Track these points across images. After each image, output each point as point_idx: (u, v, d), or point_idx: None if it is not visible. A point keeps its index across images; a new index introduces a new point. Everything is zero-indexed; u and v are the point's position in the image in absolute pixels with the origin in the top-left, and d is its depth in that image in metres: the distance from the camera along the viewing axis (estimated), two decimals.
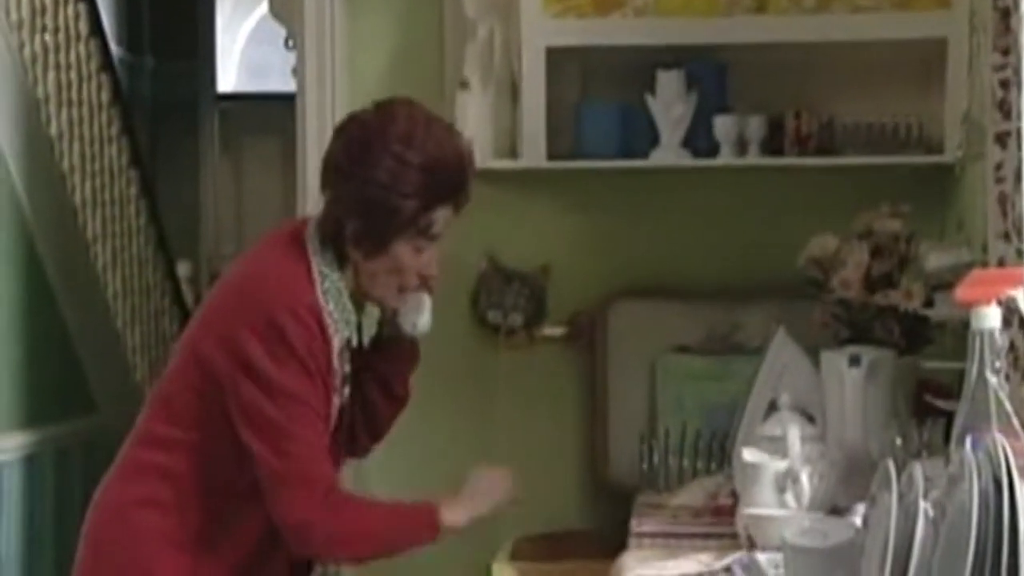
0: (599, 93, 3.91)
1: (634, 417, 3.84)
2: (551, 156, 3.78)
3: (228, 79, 10.82)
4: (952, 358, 2.84)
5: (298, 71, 4.11)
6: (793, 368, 3.22)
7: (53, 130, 5.59)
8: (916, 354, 3.20)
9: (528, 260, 3.95)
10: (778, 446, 2.86)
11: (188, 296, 7.82)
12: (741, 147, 3.78)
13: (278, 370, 2.66)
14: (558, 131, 3.80)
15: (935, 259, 3.14)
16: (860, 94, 3.83)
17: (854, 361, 3.01)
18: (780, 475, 2.80)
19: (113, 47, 7.01)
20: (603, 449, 3.90)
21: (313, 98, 4.01)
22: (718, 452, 3.51)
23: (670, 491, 3.38)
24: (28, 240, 5.18)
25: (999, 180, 2.84)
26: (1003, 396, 1.93)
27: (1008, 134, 2.80)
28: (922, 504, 1.92)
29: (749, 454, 2.87)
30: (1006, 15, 2.82)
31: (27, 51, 5.38)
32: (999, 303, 1.97)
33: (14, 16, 5.28)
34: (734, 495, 3.03)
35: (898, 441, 2.83)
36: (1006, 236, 2.82)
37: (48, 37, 5.62)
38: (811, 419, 3.05)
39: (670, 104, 3.76)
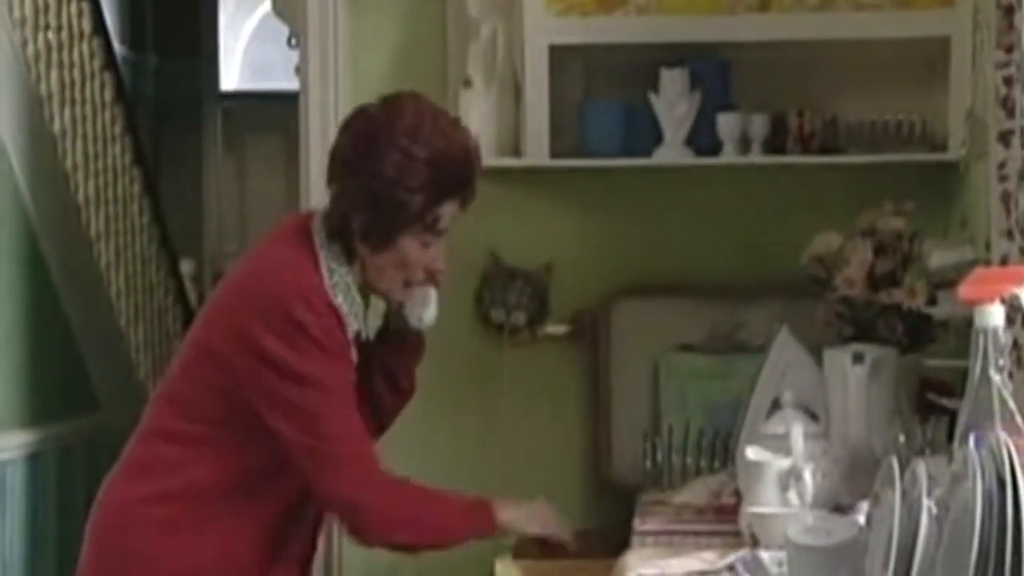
0: (602, 91, 3.90)
1: (637, 415, 3.84)
2: (554, 154, 3.77)
3: (231, 77, 10.82)
4: (955, 356, 2.84)
5: (301, 69, 4.11)
6: (796, 366, 3.21)
7: (56, 128, 5.60)
8: (919, 352, 3.20)
9: (531, 258, 3.95)
10: (781, 444, 2.86)
11: (191, 294, 7.83)
12: (744, 145, 3.78)
13: (299, 358, 2.67)
14: (561, 129, 3.80)
15: (938, 257, 3.14)
16: (863, 92, 3.83)
17: (857, 359, 3.01)
18: (783, 473, 2.80)
19: (116, 45, 7.01)
20: (606, 447, 3.90)
21: (316, 96, 4.01)
22: (721, 450, 3.51)
23: (673, 489, 3.38)
24: (31, 238, 5.18)
25: (1002, 178, 2.84)
26: (1006, 394, 1.92)
27: (1011, 132, 2.80)
28: (926, 502, 1.92)
29: (752, 452, 2.87)
30: (1009, 12, 2.82)
31: (30, 49, 5.39)
32: (1002, 301, 1.97)
33: (17, 14, 5.28)
34: (737, 493, 3.03)
35: (901, 439, 2.83)
36: (1009, 234, 2.82)
37: (51, 35, 5.63)
38: (814, 417, 3.05)
39: (673, 102, 3.76)
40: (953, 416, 2.38)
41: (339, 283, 2.75)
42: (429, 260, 2.79)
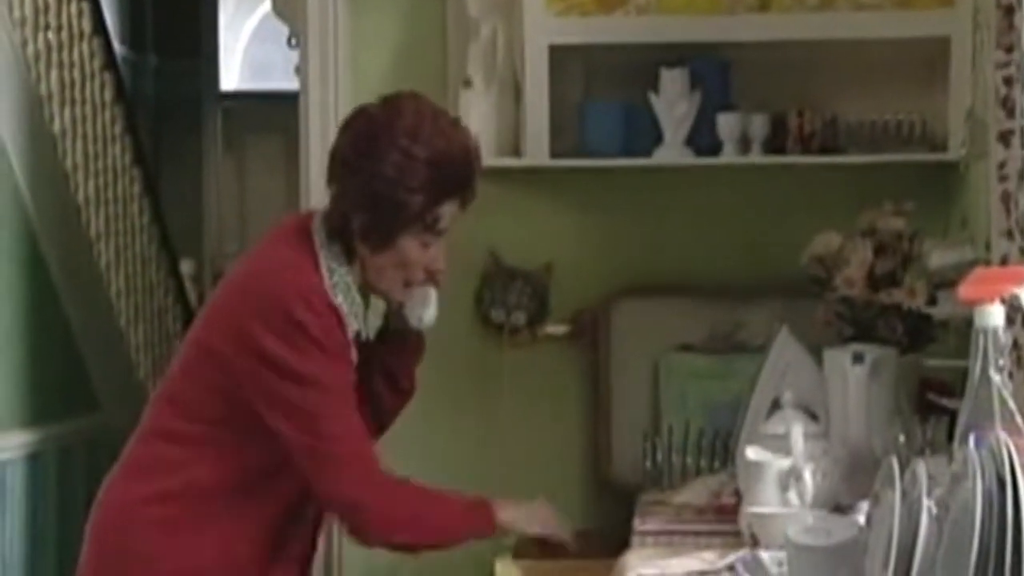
0: (602, 91, 3.90)
1: (637, 415, 3.84)
2: (554, 154, 3.77)
3: (231, 77, 10.82)
4: (955, 356, 2.84)
5: (301, 69, 4.11)
6: (796, 366, 3.21)
7: (56, 128, 5.60)
8: (919, 352, 3.20)
9: (531, 258, 3.95)
10: (781, 444, 2.86)
11: (191, 294, 7.83)
12: (744, 145, 3.78)
13: (299, 358, 2.67)
14: (561, 129, 3.80)
15: (938, 257, 3.14)
16: (863, 92, 3.83)
17: (857, 359, 3.01)
18: (783, 473, 2.80)
19: (116, 45, 7.01)
20: (606, 447, 3.90)
21: (316, 96, 4.01)
22: (721, 450, 3.51)
23: (673, 489, 3.38)
24: (31, 238, 5.18)
25: (1002, 178, 2.84)
26: (1006, 394, 1.92)
27: (1011, 132, 2.80)
28: (925, 502, 1.92)
29: (752, 452, 2.87)
30: (1009, 13, 2.82)
31: (30, 49, 5.39)
32: (1002, 301, 1.97)
33: (17, 14, 5.28)
34: (737, 493, 3.03)
35: (901, 439, 2.83)
36: (1009, 234, 2.82)
37: (51, 35, 5.63)
38: (814, 417, 3.05)
39: (673, 102, 3.76)
40: (953, 416, 2.38)
41: (339, 283, 2.75)
42: (429, 260, 2.79)
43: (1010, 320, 2.07)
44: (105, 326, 5.95)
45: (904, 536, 1.92)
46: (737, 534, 2.87)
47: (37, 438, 5.14)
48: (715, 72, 3.82)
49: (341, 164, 2.79)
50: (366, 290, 2.83)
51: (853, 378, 3.00)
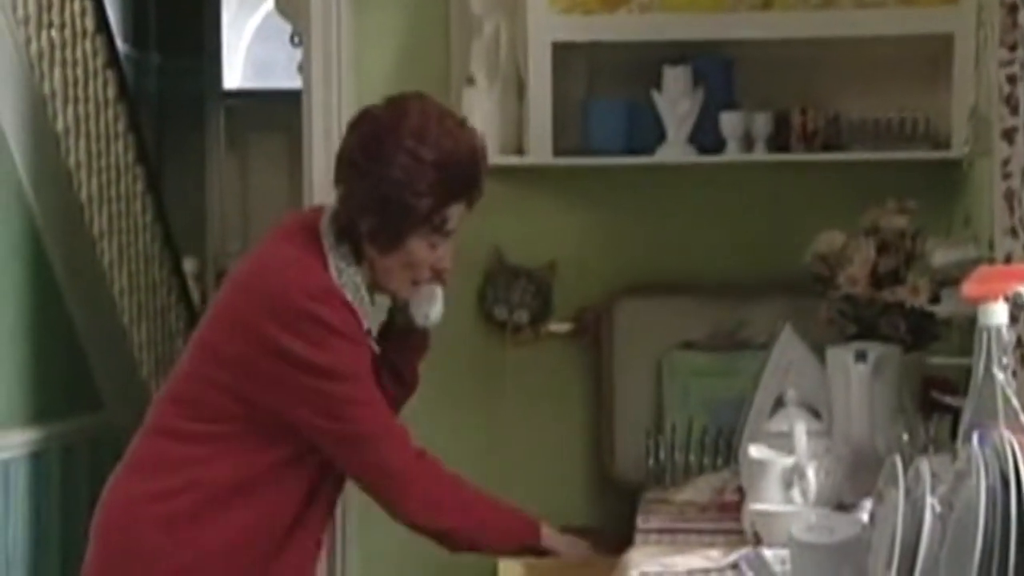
0: (605, 89, 3.90)
1: (640, 413, 3.84)
2: (557, 152, 3.77)
3: (234, 76, 10.83)
4: (959, 354, 2.84)
5: (304, 68, 4.11)
6: (799, 364, 3.21)
7: (59, 126, 5.60)
8: (922, 350, 3.20)
9: (534, 256, 3.95)
10: (784, 442, 2.85)
11: (194, 292, 7.83)
12: (747, 143, 3.78)
13: (318, 351, 2.68)
14: (564, 127, 3.80)
15: (942, 255, 3.14)
16: (866, 90, 3.83)
17: (860, 357, 3.01)
18: (786, 471, 2.80)
19: (119, 43, 7.02)
20: (609, 445, 3.90)
21: (319, 95, 4.00)
22: (724, 448, 3.51)
23: (676, 487, 3.38)
24: (34, 236, 5.18)
25: (1006, 176, 2.83)
26: (1010, 392, 1.92)
27: (1015, 130, 2.79)
28: (929, 500, 1.92)
29: (755, 450, 2.87)
30: (1013, 10, 2.82)
31: (33, 47, 5.39)
32: (1006, 299, 1.96)
33: (20, 12, 5.29)
34: (740, 491, 3.03)
35: (904, 437, 2.83)
36: (1013, 232, 2.81)
37: (54, 33, 5.63)
38: (817, 415, 3.05)
39: (676, 100, 3.76)
40: (956, 414, 2.38)
41: (348, 283, 2.76)
42: (436, 260, 2.81)
43: (1014, 318, 2.07)
44: (108, 324, 5.95)
45: (907, 534, 1.92)
46: (740, 532, 2.87)
47: (40, 436, 5.14)
48: (718, 70, 3.82)
49: (348, 166, 2.79)
50: (373, 289, 2.84)
51: (856, 376, 2.99)
